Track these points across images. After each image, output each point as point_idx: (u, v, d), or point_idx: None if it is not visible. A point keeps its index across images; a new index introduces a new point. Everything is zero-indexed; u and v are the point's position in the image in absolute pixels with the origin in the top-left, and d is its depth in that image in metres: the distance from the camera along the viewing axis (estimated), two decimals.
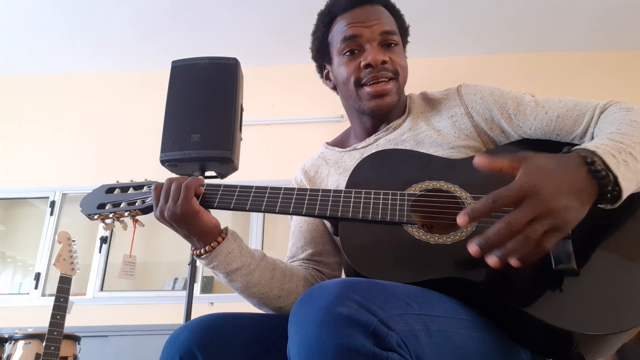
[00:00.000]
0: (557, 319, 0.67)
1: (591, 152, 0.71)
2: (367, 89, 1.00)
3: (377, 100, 1.00)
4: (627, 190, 0.70)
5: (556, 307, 0.68)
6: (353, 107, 1.08)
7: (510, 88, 1.03)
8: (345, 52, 1.02)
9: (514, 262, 0.63)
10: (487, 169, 0.71)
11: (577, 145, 0.89)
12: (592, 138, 0.88)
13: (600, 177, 0.68)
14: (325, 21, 1.07)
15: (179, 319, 1.95)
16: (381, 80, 0.99)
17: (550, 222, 0.63)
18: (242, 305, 1.16)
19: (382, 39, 1.01)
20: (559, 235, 0.64)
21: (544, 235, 0.63)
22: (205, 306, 3.36)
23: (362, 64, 0.99)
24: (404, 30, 1.09)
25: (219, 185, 0.93)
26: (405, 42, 1.10)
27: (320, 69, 1.15)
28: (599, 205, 0.71)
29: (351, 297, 0.58)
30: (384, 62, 0.99)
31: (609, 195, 0.69)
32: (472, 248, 0.63)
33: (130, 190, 1.01)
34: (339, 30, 1.03)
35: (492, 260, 0.62)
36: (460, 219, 0.64)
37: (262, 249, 3.56)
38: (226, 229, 0.94)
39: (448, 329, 0.66)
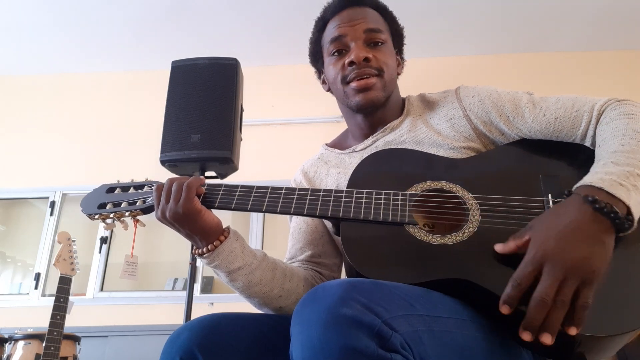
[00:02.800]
0: None
1: (597, 188, 0.70)
2: (352, 84, 1.02)
3: (361, 95, 1.01)
4: None
5: None
6: (345, 106, 1.09)
7: (508, 88, 1.03)
8: (333, 53, 1.05)
9: (572, 331, 0.64)
10: (506, 253, 0.73)
11: (582, 145, 0.89)
12: (592, 140, 0.88)
13: (609, 212, 0.68)
14: (319, 26, 1.10)
15: (179, 319, 1.95)
16: (364, 76, 1.01)
17: (576, 279, 0.64)
18: (242, 305, 1.16)
19: (367, 37, 1.02)
20: (591, 286, 0.64)
21: (577, 293, 0.64)
22: (205, 306, 3.36)
23: (346, 61, 1.01)
24: (395, 31, 1.10)
25: (220, 185, 0.93)
26: (399, 43, 1.11)
27: (319, 73, 1.17)
28: (619, 235, 0.69)
29: (355, 298, 0.58)
30: (367, 59, 1.00)
31: (626, 226, 0.69)
32: (526, 337, 0.64)
33: (131, 190, 1.01)
34: (328, 33, 1.06)
35: (547, 339, 0.63)
36: (504, 309, 0.66)
37: (262, 249, 3.55)
38: (228, 228, 0.94)
39: (451, 329, 0.66)
